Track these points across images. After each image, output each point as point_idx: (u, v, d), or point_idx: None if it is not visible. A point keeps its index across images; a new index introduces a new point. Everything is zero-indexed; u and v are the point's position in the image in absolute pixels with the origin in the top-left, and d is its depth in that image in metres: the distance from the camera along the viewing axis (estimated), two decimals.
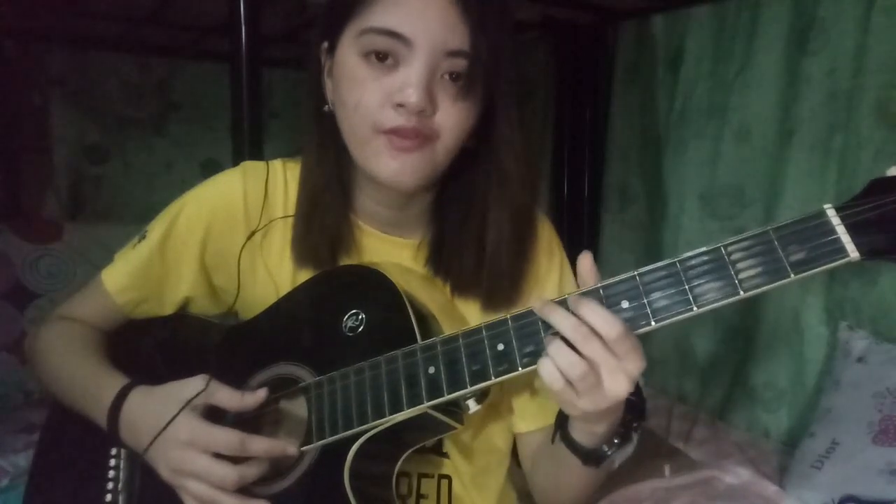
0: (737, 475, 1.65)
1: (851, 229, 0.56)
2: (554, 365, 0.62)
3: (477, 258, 0.82)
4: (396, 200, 0.84)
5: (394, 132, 0.73)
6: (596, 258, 0.66)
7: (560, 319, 0.62)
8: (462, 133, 0.77)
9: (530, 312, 0.66)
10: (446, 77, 0.73)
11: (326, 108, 0.81)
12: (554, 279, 0.90)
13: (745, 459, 1.76)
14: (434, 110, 0.74)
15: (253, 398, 0.76)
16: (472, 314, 0.86)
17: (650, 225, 2.35)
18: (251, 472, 0.73)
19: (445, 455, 0.89)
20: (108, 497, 0.84)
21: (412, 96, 0.71)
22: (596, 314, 0.61)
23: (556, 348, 0.62)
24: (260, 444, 0.74)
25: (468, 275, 0.83)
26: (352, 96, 0.75)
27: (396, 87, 0.72)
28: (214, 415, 0.76)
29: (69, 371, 0.87)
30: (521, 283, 0.85)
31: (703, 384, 2.16)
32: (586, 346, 0.61)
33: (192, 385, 0.75)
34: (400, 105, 0.72)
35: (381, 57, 0.72)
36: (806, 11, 1.81)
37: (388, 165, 0.74)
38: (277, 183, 0.88)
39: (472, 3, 0.72)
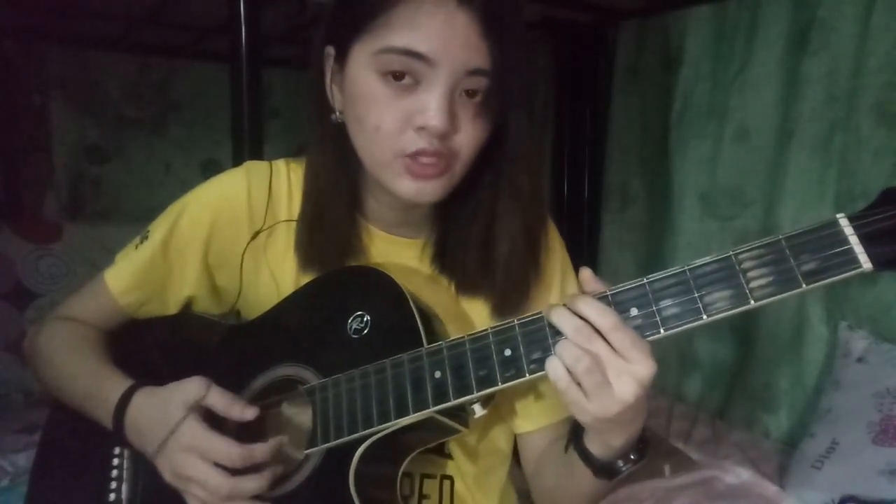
0: (737, 475, 1.65)
1: (864, 239, 0.55)
2: (560, 361, 0.62)
3: (480, 257, 0.82)
4: (405, 203, 0.83)
5: (416, 155, 0.72)
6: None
7: (564, 321, 0.63)
8: (479, 148, 0.76)
9: (538, 318, 0.66)
10: (464, 94, 0.72)
11: (335, 117, 0.79)
12: (557, 279, 0.90)
13: (745, 459, 1.77)
14: (455, 131, 0.73)
15: (249, 412, 0.76)
16: (478, 315, 0.86)
17: (650, 225, 2.35)
18: (249, 485, 0.73)
19: (448, 456, 0.89)
20: (112, 496, 0.84)
21: (434, 119, 0.69)
22: (589, 307, 0.62)
23: (562, 345, 0.62)
24: (263, 450, 0.74)
25: (472, 273, 0.83)
26: (370, 117, 0.73)
27: (417, 108, 0.70)
28: (216, 418, 0.76)
29: (71, 372, 0.86)
30: (532, 290, 0.84)
31: (703, 384, 2.17)
32: (591, 344, 0.61)
33: (189, 386, 0.75)
34: (421, 128, 0.71)
35: (398, 76, 0.70)
36: (806, 11, 1.82)
37: (409, 187, 0.74)
38: (281, 183, 0.88)
39: (493, 21, 0.70)
